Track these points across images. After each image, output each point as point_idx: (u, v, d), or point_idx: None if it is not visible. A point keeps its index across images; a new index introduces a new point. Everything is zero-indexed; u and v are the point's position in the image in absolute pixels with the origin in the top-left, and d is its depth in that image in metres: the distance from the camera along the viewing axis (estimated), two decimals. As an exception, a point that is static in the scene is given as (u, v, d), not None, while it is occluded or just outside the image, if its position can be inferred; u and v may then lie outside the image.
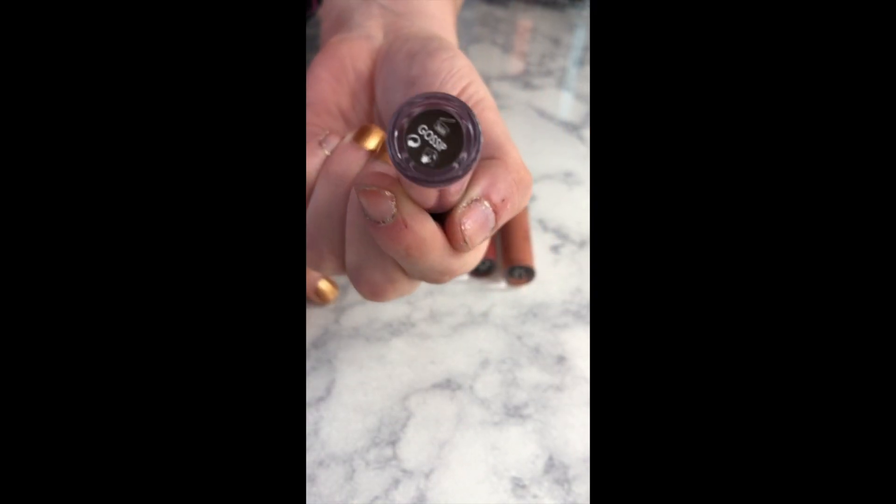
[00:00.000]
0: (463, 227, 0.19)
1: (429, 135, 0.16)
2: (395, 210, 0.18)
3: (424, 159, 0.16)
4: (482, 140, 0.16)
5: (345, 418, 0.27)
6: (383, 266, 0.22)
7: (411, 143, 0.16)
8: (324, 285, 0.32)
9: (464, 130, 0.16)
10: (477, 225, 0.19)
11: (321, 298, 0.32)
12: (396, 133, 0.16)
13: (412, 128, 0.16)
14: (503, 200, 0.20)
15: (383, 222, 0.18)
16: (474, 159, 0.16)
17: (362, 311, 0.32)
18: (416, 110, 0.16)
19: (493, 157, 0.20)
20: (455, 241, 0.20)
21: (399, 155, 0.16)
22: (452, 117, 0.16)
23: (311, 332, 0.31)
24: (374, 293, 0.23)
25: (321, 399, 0.28)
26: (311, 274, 0.31)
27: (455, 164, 0.16)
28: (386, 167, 0.20)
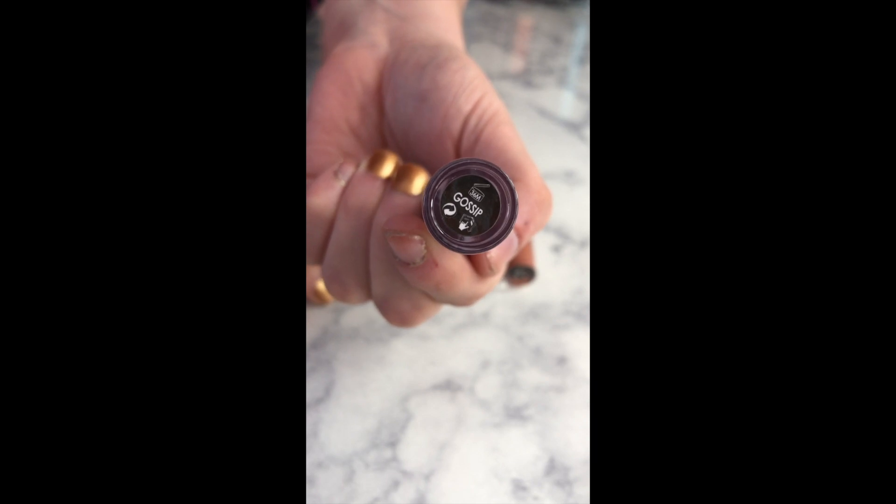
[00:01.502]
0: (488, 256, 0.19)
1: (464, 201, 0.17)
2: (424, 252, 0.18)
3: (462, 226, 0.17)
4: (518, 198, 0.17)
5: (344, 420, 0.27)
6: (410, 296, 0.22)
7: (447, 212, 0.17)
8: (323, 286, 0.32)
9: (499, 193, 0.17)
10: (502, 251, 0.20)
11: (320, 299, 0.32)
12: (433, 211, 0.17)
13: (447, 196, 0.17)
14: (526, 223, 0.20)
15: (413, 263, 0.19)
16: (514, 217, 0.17)
17: (362, 312, 0.32)
18: (452, 179, 0.17)
19: (512, 179, 0.20)
20: (481, 269, 0.20)
21: (440, 231, 0.17)
22: (486, 182, 0.17)
23: (311, 332, 0.31)
24: (402, 321, 0.23)
25: (320, 400, 0.28)
26: (310, 274, 0.31)
27: (496, 231, 0.17)
28: (405, 198, 0.21)
